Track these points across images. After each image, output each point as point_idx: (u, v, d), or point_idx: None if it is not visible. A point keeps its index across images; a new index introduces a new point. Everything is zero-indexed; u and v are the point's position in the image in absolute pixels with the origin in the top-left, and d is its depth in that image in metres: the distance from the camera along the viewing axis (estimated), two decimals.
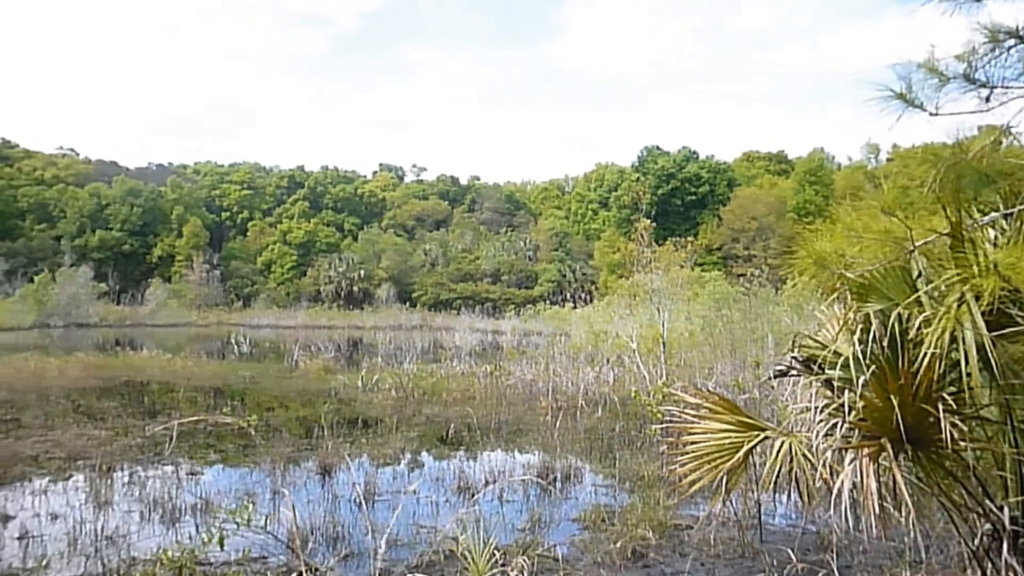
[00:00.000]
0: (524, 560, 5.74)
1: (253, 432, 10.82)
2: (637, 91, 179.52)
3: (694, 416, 4.65)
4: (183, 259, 75.58)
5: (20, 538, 7.58)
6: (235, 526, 5.01)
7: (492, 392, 18.77)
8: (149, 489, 9.32)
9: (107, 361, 25.97)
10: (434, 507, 8.90)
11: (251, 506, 5.12)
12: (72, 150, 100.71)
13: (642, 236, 19.88)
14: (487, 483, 9.81)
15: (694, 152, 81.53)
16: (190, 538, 7.19)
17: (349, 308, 68.47)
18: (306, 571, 5.30)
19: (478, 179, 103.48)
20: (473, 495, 9.15)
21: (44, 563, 6.84)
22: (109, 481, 9.60)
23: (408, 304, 68.85)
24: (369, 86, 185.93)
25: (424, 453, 12.55)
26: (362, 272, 72.97)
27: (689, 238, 23.07)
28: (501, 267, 74.38)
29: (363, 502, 8.88)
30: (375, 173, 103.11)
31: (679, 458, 4.57)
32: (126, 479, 9.96)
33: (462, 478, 9.99)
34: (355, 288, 72.30)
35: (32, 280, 58.49)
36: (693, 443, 4.46)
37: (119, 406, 16.65)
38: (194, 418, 12.31)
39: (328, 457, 10.73)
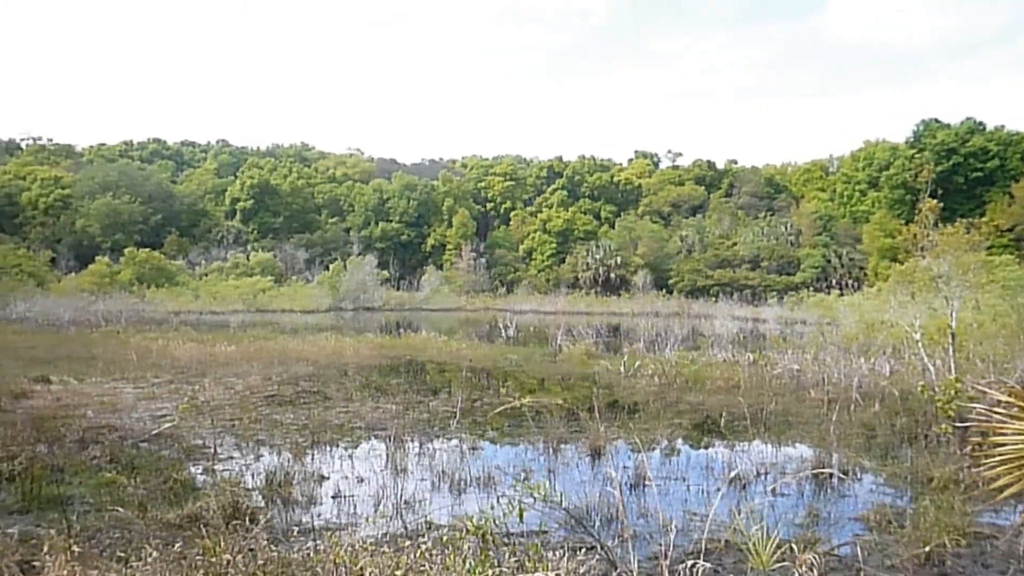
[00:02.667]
0: (814, 557, 5.62)
1: (529, 412, 11.40)
2: (910, 61, 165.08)
3: (1004, 415, 4.30)
4: (453, 248, 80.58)
5: (334, 497, 8.62)
6: (532, 499, 5.39)
7: (757, 381, 18.25)
8: (437, 460, 10.18)
9: (391, 342, 28.40)
10: (704, 495, 8.91)
11: (547, 482, 5.46)
12: (358, 150, 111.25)
13: (927, 217, 18.34)
14: (758, 474, 9.66)
15: (980, 123, 73.08)
16: (479, 507, 7.81)
17: (606, 295, 69.24)
18: (598, 548, 5.59)
19: (735, 163, 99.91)
20: (744, 486, 9.06)
21: (354, 520, 7.74)
22: (403, 451, 10.63)
23: (664, 291, 68.36)
24: (624, 74, 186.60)
25: (690, 441, 12.55)
26: (619, 259, 73.48)
27: (980, 219, 20.90)
28: (760, 253, 71.53)
29: (634, 485, 9.13)
30: (630, 160, 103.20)
31: (984, 460, 4.26)
32: (417, 449, 10.94)
33: (732, 468, 9.90)
34: (612, 275, 72.97)
35: (327, 268, 65.53)
36: (1003, 444, 4.14)
37: (404, 383, 18.24)
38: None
39: (597, 440, 11.09)
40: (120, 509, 7.11)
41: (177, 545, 5.52)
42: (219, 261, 69.40)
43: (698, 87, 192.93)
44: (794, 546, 5.94)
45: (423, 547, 4.79)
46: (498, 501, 6.71)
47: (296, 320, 44.27)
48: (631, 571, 5.22)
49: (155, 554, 4.80)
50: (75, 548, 4.97)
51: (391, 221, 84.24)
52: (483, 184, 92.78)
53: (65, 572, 4.46)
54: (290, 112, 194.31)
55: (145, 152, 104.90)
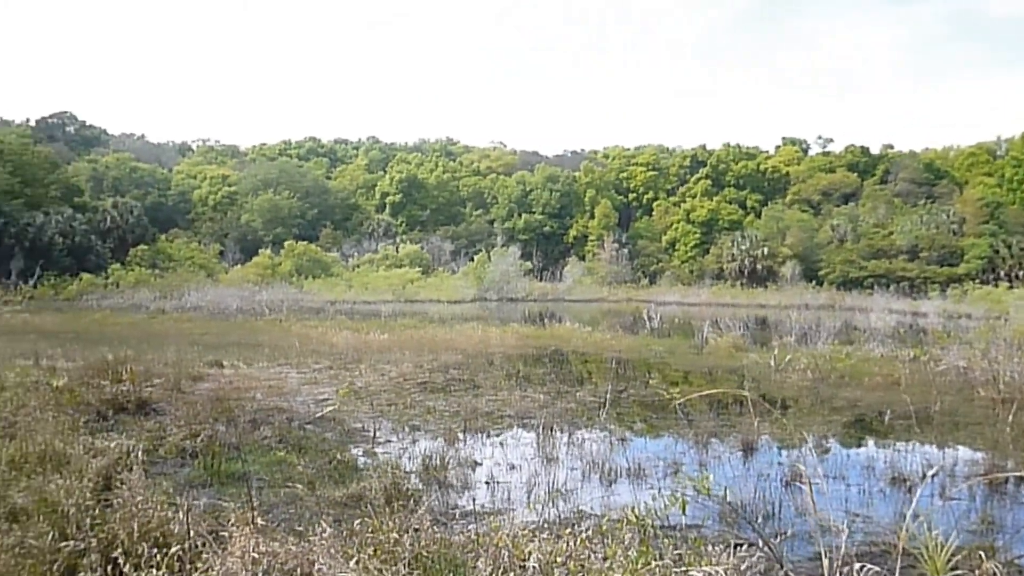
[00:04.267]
0: (996, 566, 5.29)
1: (679, 405, 11.27)
2: None
3: None
4: (595, 239, 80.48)
5: (487, 483, 8.85)
6: (694, 492, 5.36)
7: (919, 378, 17.24)
8: (587, 450, 10.24)
9: (536, 332, 28.72)
10: (866, 496, 8.56)
11: (710, 476, 5.41)
12: (501, 143, 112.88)
13: None
14: (923, 476, 9.16)
15: None
16: (630, 498, 7.82)
17: (752, 286, 67.25)
18: (759, 545, 5.50)
19: (891, 147, 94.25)
20: (910, 488, 8.63)
21: (508, 507, 7.92)
22: (552, 440, 10.77)
23: (814, 283, 65.68)
24: (770, 60, 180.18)
25: (848, 438, 12.06)
26: (765, 250, 71.14)
27: None
28: (919, 242, 67.31)
29: (790, 482, 8.88)
30: (778, 148, 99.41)
31: None
32: (566, 439, 11.03)
33: (894, 468, 9.45)
34: (758, 266, 70.76)
35: (472, 259, 67.01)
36: None
37: (550, 372, 18.42)
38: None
39: (749, 434, 10.84)
40: (293, 486, 7.61)
41: (345, 522, 5.86)
42: (370, 253, 72.25)
43: (850, 68, 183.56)
44: (972, 554, 5.62)
45: (583, 535, 4.86)
46: (658, 492, 6.69)
47: (443, 310, 45.50)
48: (796, 570, 5.10)
49: (328, 530, 5.10)
50: (259, 521, 5.36)
51: (534, 213, 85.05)
52: (625, 174, 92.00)
53: (250, 543, 4.81)
54: (436, 108, 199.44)
55: (302, 150, 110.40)
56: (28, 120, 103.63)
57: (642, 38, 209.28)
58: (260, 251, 68.10)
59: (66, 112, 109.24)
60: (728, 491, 7.76)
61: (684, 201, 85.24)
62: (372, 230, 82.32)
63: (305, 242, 69.99)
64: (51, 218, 57.46)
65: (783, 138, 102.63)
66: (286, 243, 68.96)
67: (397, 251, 71.81)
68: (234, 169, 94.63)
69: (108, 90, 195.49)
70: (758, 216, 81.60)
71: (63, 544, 5.38)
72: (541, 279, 70.16)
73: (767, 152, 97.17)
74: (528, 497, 8.24)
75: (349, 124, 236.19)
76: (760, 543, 5.54)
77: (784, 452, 10.60)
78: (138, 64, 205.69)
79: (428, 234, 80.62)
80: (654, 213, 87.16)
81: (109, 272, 55.32)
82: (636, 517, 4.92)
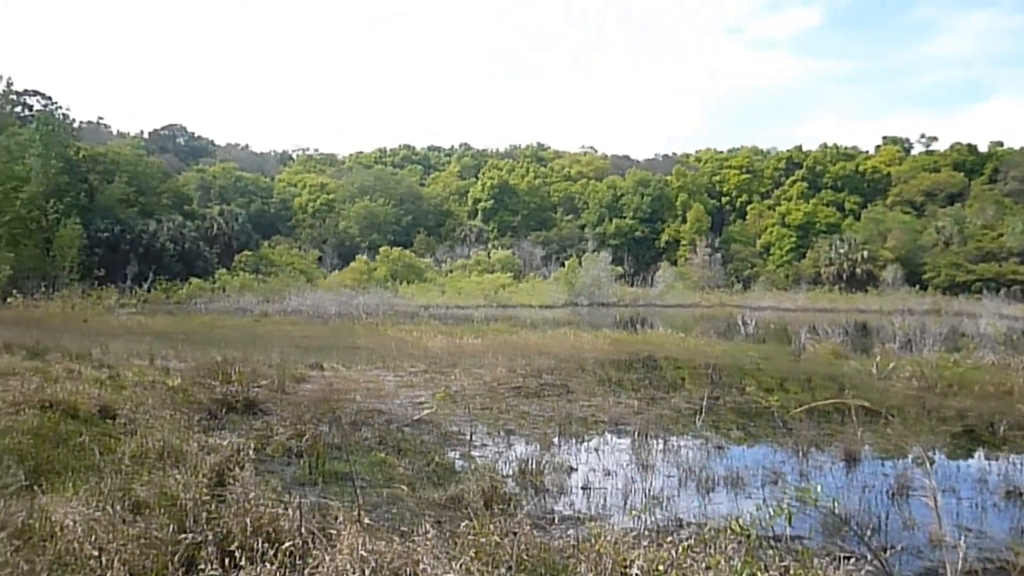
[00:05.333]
0: None
1: (778, 413, 11.06)
2: None
3: None
4: (687, 243, 79.35)
5: (583, 488, 8.87)
6: (800, 504, 5.27)
7: None
8: (683, 457, 10.14)
9: (628, 337, 28.54)
10: (979, 510, 8.21)
11: (819, 487, 5.31)
12: (592, 148, 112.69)
13: None
14: None
15: None
16: (729, 507, 7.72)
17: (851, 291, 65.06)
18: (869, 558, 5.37)
19: (1000, 145, 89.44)
20: None
21: (605, 513, 7.92)
22: (647, 446, 10.71)
23: (918, 287, 63.16)
24: (871, 55, 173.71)
25: (957, 450, 11.58)
26: (865, 253, 68.73)
27: None
28: None
29: (896, 494, 8.59)
30: (878, 147, 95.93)
31: None
32: (661, 446, 10.95)
33: (1009, 481, 9.02)
34: (858, 270, 68.41)
35: (563, 264, 67.11)
36: None
37: (643, 378, 18.30)
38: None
39: (851, 444, 10.53)
40: (395, 486, 7.81)
41: (445, 523, 5.98)
42: (463, 258, 73.19)
43: (954, 64, 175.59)
44: None
45: (684, 543, 4.84)
46: (763, 503, 6.59)
47: (534, 315, 45.65)
48: None
49: (432, 531, 5.23)
50: (366, 520, 5.54)
51: (625, 217, 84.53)
52: (718, 178, 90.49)
53: (357, 541, 4.98)
54: (527, 114, 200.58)
55: (396, 158, 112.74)
56: (142, 133, 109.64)
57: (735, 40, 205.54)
58: (357, 257, 69.94)
59: (177, 124, 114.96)
60: (831, 502, 7.60)
61: (779, 204, 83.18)
62: (464, 236, 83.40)
63: (400, 248, 71.49)
64: (163, 225, 60.44)
65: (883, 137, 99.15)
66: (381, 249, 70.57)
67: (489, 256, 72.50)
68: (332, 177, 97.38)
69: (215, 103, 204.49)
70: (857, 219, 78.94)
71: (182, 536, 5.67)
72: (632, 284, 69.67)
73: (867, 152, 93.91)
74: (625, 503, 8.23)
75: (442, 131, 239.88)
76: (869, 556, 5.40)
77: (889, 463, 10.25)
78: (243, 78, 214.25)
79: (519, 239, 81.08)
80: (748, 217, 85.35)
81: (216, 277, 57.78)
82: (739, 526, 4.86)
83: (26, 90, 67.65)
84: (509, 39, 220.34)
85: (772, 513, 5.00)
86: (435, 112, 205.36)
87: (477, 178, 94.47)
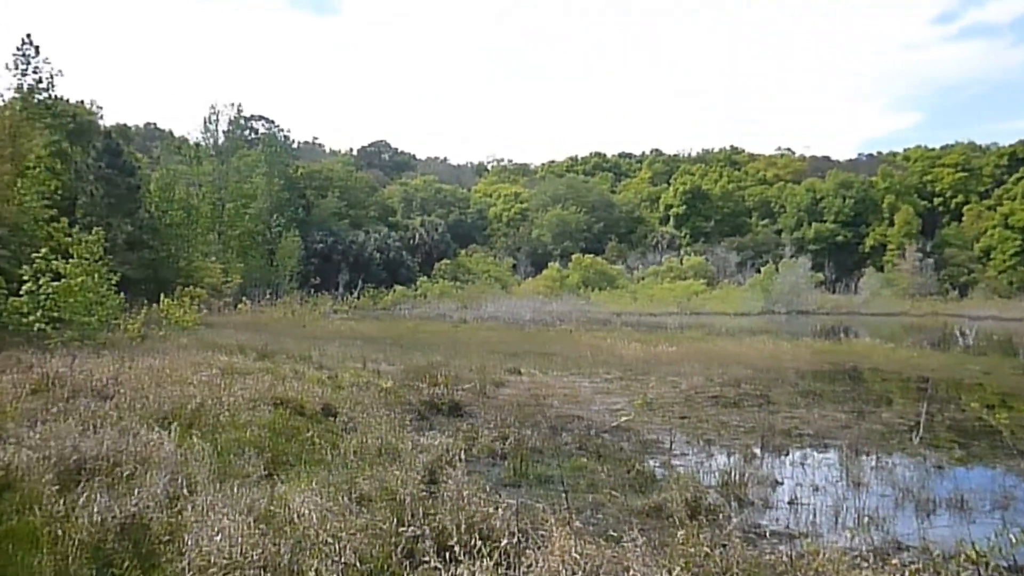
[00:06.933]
0: None
1: (1006, 432, 10.16)
2: None
3: None
4: (895, 248, 74.41)
5: (789, 503, 8.57)
6: None
7: None
8: (898, 476, 9.56)
9: (831, 347, 27.19)
10: None
11: None
12: (788, 150, 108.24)
13: None
14: None
15: None
16: (952, 532, 7.20)
17: None
18: None
19: None
20: None
21: (813, 530, 7.62)
22: (858, 463, 10.18)
23: None
24: None
25: None
26: None
27: None
28: None
29: None
30: None
31: None
32: (872, 463, 10.37)
33: None
34: None
35: (758, 271, 64.94)
36: None
37: (849, 390, 17.40)
38: None
39: None
40: (598, 492, 7.93)
41: (649, 531, 6.02)
42: (654, 265, 72.60)
43: None
44: None
45: (912, 568, 4.61)
46: (1004, 527, 6.09)
47: (728, 323, 44.47)
48: None
49: (641, 538, 5.29)
50: (577, 524, 5.70)
51: (825, 221, 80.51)
52: (929, 177, 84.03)
53: (569, 544, 5.13)
54: (719, 118, 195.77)
55: (587, 166, 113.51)
56: (351, 150, 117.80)
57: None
58: (549, 264, 71.19)
59: (382, 141, 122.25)
60: None
61: (1001, 204, 75.69)
62: (656, 242, 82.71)
63: (591, 255, 72.03)
64: (370, 236, 64.49)
65: None
66: (573, 256, 71.43)
67: (681, 263, 71.56)
68: (525, 187, 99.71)
69: (416, 120, 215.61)
70: None
71: (401, 529, 6.06)
72: (833, 291, 66.41)
73: None
74: (836, 521, 7.89)
75: (633, 138, 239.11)
76: None
77: None
78: (441, 94, 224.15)
79: (713, 245, 79.34)
80: (964, 218, 78.65)
81: (417, 284, 60.86)
82: (976, 552, 4.56)
83: (253, 115, 74.36)
84: (695, 45, 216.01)
85: (1014, 540, 4.64)
86: (626, 119, 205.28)
87: (669, 184, 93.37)
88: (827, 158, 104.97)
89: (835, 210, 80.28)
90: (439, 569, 5.10)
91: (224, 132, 61.38)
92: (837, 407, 14.70)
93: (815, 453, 11.11)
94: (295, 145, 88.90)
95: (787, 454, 10.97)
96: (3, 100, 37.45)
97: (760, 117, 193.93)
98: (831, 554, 4.97)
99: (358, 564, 5.35)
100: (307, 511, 6.14)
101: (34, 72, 38.88)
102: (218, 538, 5.35)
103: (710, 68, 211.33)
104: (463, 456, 9.01)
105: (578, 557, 4.93)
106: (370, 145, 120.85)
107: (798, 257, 66.83)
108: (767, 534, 7.15)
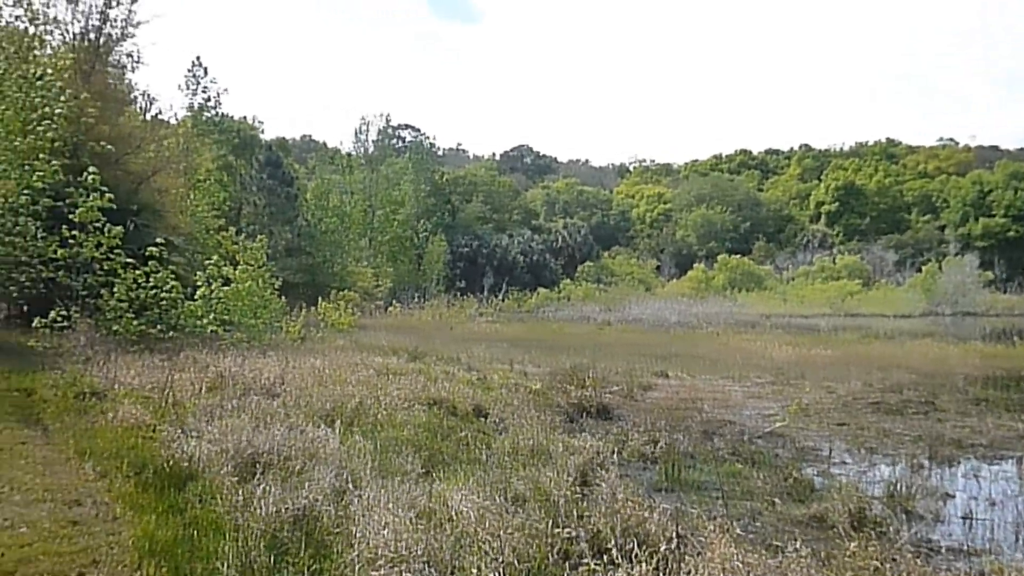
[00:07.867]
0: None
1: None
2: None
3: None
4: None
5: (963, 518, 8.06)
6: None
7: None
8: None
9: (1004, 351, 25.29)
10: None
11: None
12: (952, 140, 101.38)
13: None
14: None
15: None
16: None
17: None
18: None
19: None
20: None
21: (993, 547, 7.13)
22: None
23: None
24: None
25: None
26: None
27: None
28: None
29: None
30: None
31: None
32: None
33: None
34: None
35: (919, 270, 61.25)
36: None
37: None
38: None
39: None
40: (755, 499, 7.75)
41: (810, 542, 5.82)
42: (805, 265, 70.02)
43: None
44: None
45: None
46: None
47: (887, 325, 42.17)
48: None
49: (804, 550, 5.13)
50: (738, 531, 5.60)
51: (994, 216, 74.92)
52: None
53: (728, 551, 5.05)
54: (873, 108, 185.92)
55: (733, 164, 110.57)
56: (494, 155, 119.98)
57: None
58: (694, 265, 69.96)
59: (524, 145, 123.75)
60: None
61: None
62: (807, 241, 79.68)
63: (738, 256, 70.23)
64: (514, 240, 65.46)
65: None
66: (719, 257, 69.87)
67: (834, 262, 68.61)
68: (668, 187, 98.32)
69: (557, 123, 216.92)
70: None
71: (556, 530, 6.13)
72: (1005, 291, 61.69)
73: None
74: (1016, 539, 7.37)
75: (780, 134, 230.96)
76: None
77: None
78: (581, 97, 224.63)
79: (868, 244, 75.57)
80: None
81: (560, 287, 61.23)
82: None
83: (400, 124, 77.06)
84: (845, 34, 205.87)
85: None
86: (772, 114, 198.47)
87: (820, 180, 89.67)
88: (995, 147, 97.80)
89: (1006, 203, 74.58)
90: (597, 571, 5.13)
91: (374, 141, 64.10)
92: (1013, 416, 13.67)
93: (989, 465, 10.40)
94: (440, 152, 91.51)
95: (958, 465, 10.33)
96: (177, 118, 40.55)
97: (919, 106, 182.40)
98: (1016, 574, 4.66)
99: (516, 563, 5.45)
100: (465, 509, 6.30)
101: (203, 91, 42.00)
102: (384, 532, 5.59)
103: (862, 57, 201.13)
104: (615, 459, 9.01)
105: (740, 566, 4.85)
106: (512, 149, 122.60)
107: (964, 255, 62.56)
108: (941, 550, 6.77)
